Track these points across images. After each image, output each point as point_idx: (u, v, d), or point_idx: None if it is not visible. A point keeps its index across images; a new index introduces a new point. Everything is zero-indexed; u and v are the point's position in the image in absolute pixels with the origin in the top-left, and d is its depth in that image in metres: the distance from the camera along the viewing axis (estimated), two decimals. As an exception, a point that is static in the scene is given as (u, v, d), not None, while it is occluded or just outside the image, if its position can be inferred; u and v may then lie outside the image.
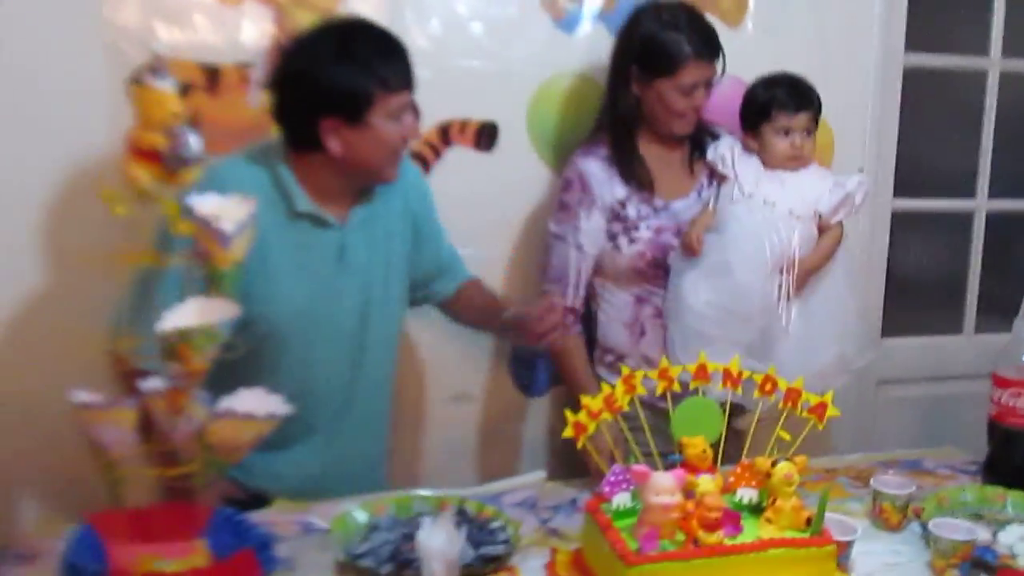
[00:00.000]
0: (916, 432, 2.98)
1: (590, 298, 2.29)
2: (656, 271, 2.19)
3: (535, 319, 1.90)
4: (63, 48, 2.08)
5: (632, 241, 2.19)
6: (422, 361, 2.45)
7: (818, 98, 2.18)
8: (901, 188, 2.96)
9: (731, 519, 1.43)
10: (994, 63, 3.01)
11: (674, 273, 2.16)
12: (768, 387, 1.62)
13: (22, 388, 2.09)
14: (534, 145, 2.44)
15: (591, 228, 2.20)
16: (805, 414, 1.60)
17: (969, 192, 3.09)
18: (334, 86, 1.76)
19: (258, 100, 2.18)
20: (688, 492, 1.42)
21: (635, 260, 2.19)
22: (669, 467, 1.48)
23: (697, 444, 1.51)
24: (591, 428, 1.54)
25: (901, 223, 2.99)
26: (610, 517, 1.46)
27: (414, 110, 1.87)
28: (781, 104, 2.15)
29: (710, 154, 2.22)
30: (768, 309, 2.08)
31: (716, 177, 2.22)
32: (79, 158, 2.07)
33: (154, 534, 1.44)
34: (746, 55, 2.32)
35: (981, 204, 3.10)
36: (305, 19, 2.22)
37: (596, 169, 2.21)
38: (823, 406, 1.59)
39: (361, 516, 1.71)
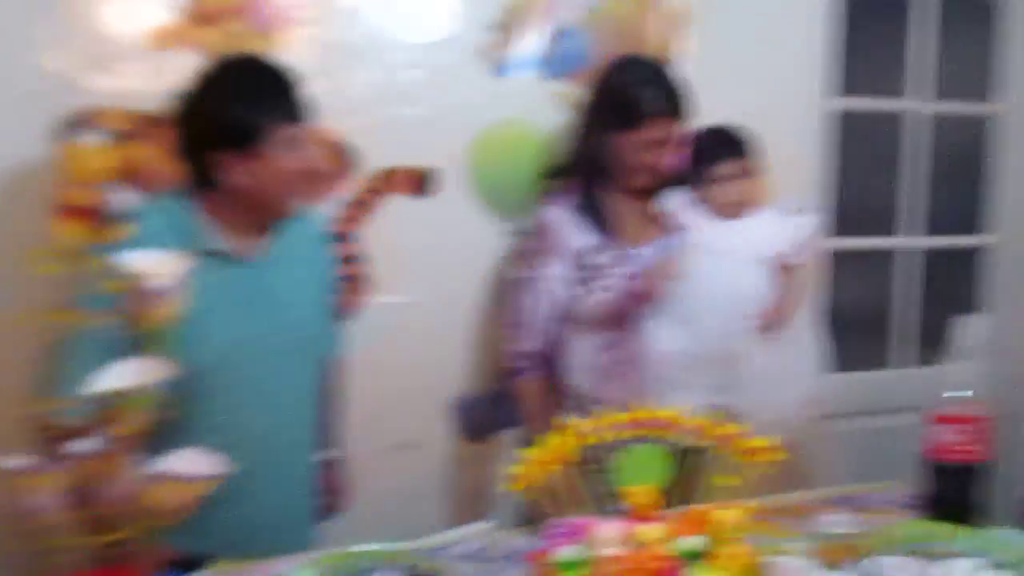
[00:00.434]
0: (848, 467, 3.01)
1: (555, 344, 2.29)
2: (623, 317, 2.20)
3: None
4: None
5: (601, 288, 2.20)
6: (364, 409, 2.42)
7: (746, 144, 2.21)
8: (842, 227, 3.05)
9: (675, 568, 1.43)
10: (911, 104, 3.11)
11: (643, 323, 2.18)
12: (708, 432, 1.62)
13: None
14: (472, 191, 2.45)
15: (557, 275, 2.21)
16: (745, 458, 1.60)
17: (889, 229, 3.17)
18: (226, 120, 1.77)
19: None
20: (631, 542, 1.41)
21: (603, 307, 2.20)
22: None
23: (640, 492, 1.50)
24: (532, 478, 1.53)
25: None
26: (554, 570, 1.45)
27: (311, 142, 1.88)
28: (707, 156, 2.19)
29: (662, 206, 2.24)
30: (736, 353, 2.10)
31: (672, 227, 2.24)
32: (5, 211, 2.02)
33: (90, 603, 1.39)
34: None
35: (901, 241, 3.19)
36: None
37: (565, 217, 2.23)
38: (762, 449, 1.60)
39: (307, 574, 1.67)
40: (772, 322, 2.14)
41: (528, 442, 1.63)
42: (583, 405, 2.21)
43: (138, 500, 1.36)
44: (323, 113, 2.28)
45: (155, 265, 1.37)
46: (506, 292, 2.30)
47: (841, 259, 3.10)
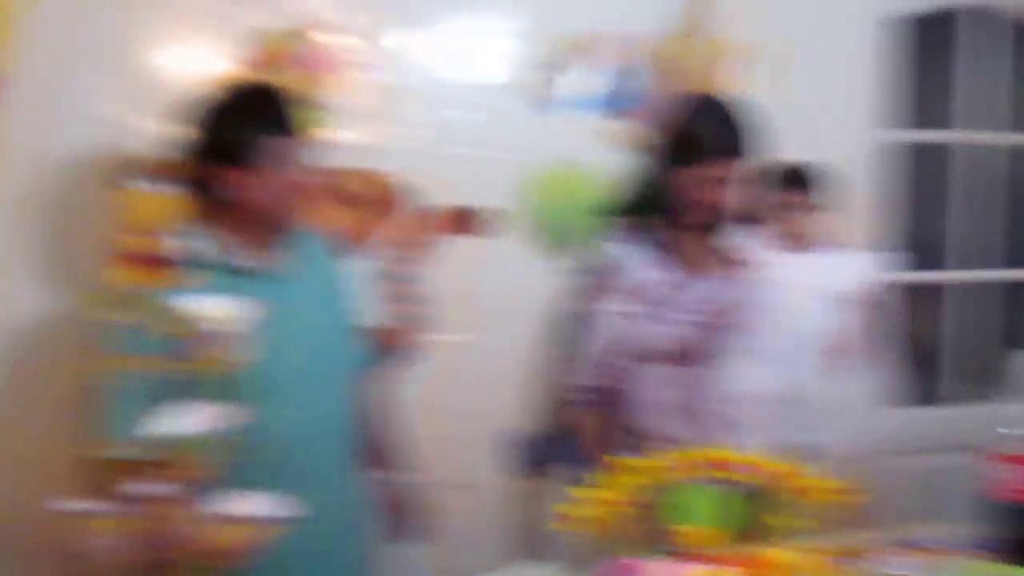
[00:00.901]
0: (898, 507, 2.96)
1: (616, 379, 2.29)
2: (690, 353, 2.20)
3: None
4: (60, 144, 2.11)
5: (665, 322, 2.20)
6: (420, 448, 2.43)
7: (812, 179, 2.22)
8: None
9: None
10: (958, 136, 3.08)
11: (721, 361, 2.18)
12: (764, 471, 1.61)
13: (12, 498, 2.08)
14: (527, 230, 2.46)
15: (621, 310, 2.21)
16: (801, 497, 1.59)
17: (938, 264, 3.14)
18: (222, 135, 1.82)
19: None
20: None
21: (668, 342, 2.20)
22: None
23: (691, 533, 1.50)
24: (581, 517, 1.53)
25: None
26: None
27: (308, 155, 1.91)
28: (774, 188, 2.21)
29: (729, 243, 2.25)
30: (810, 390, 2.10)
31: (740, 263, 2.25)
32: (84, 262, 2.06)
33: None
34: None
35: (951, 275, 3.14)
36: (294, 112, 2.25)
37: (629, 252, 2.24)
38: (824, 489, 1.58)
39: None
40: (837, 358, 2.13)
41: (583, 479, 1.62)
42: (646, 443, 2.21)
43: (201, 542, 1.38)
44: (378, 155, 2.34)
45: (214, 309, 1.39)
46: (567, 328, 2.30)
47: (914, 292, 3.07)
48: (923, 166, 3.16)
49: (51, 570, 2.01)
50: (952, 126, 3.09)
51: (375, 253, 2.36)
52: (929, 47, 3.07)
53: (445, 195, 2.40)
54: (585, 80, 2.48)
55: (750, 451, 1.63)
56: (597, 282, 2.24)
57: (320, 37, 2.28)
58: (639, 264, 2.22)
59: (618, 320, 2.21)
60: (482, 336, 2.42)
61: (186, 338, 1.38)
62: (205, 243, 1.37)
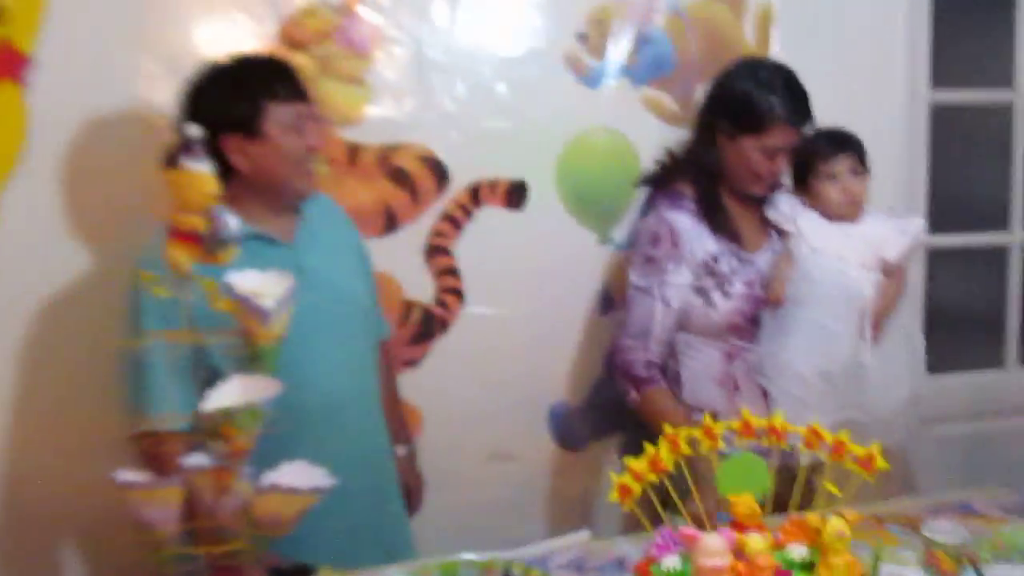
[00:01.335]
0: (960, 472, 2.93)
1: (671, 355, 2.27)
2: (749, 325, 2.19)
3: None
4: (101, 126, 2.13)
5: (726, 296, 2.18)
6: (460, 420, 2.45)
7: (858, 142, 2.18)
8: (935, 224, 2.93)
9: (782, 578, 1.41)
10: (1021, 95, 3.00)
11: (768, 335, 2.17)
12: (813, 440, 1.59)
13: (63, 468, 2.12)
14: (564, 202, 2.45)
15: (679, 283, 2.19)
16: (852, 466, 1.57)
17: (1003, 224, 3.07)
18: (224, 102, 1.83)
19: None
20: (738, 552, 1.40)
21: (730, 316, 2.18)
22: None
23: (744, 502, 1.49)
24: (637, 490, 1.52)
25: (936, 259, 2.97)
26: (660, 580, 1.44)
27: (316, 122, 1.93)
28: (820, 152, 2.16)
29: (771, 213, 2.22)
30: (857, 364, 2.08)
31: (782, 233, 2.22)
32: (116, 237, 2.09)
33: (203, 612, 1.44)
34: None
35: (1017, 237, 3.07)
36: (332, 88, 2.26)
37: (686, 223, 2.20)
38: (871, 458, 1.57)
39: (407, 584, 1.70)
40: (875, 328, 2.11)
41: (635, 449, 1.62)
42: (697, 416, 2.20)
43: (247, 512, 1.40)
44: (416, 129, 2.34)
45: (262, 286, 1.40)
46: (622, 300, 2.29)
47: (952, 256, 3.01)
48: (984, 127, 3.11)
49: (106, 542, 2.07)
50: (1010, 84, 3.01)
51: (419, 227, 2.37)
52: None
53: (484, 168, 2.40)
54: (620, 49, 2.45)
55: (802, 422, 1.61)
56: (653, 252, 2.22)
57: (362, 13, 2.27)
58: (696, 234, 2.20)
59: (676, 292, 2.18)
60: (520, 307, 2.42)
61: (239, 314, 1.39)
62: (235, 217, 1.38)
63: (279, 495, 1.41)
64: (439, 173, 2.36)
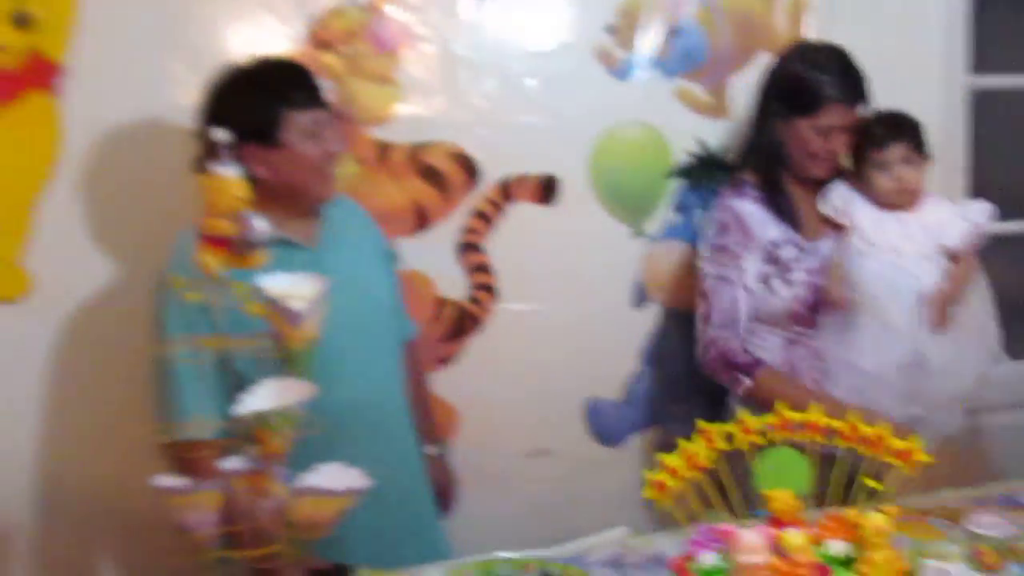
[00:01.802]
0: (1009, 463, 2.88)
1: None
2: (810, 314, 2.18)
3: None
4: (137, 131, 2.15)
5: (788, 283, 2.18)
6: (496, 417, 2.45)
7: (913, 127, 2.16)
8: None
9: (823, 574, 1.39)
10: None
11: (830, 331, 2.16)
12: (851, 434, 1.57)
13: (101, 473, 2.15)
14: (597, 195, 2.44)
15: (753, 269, 2.18)
16: (892, 460, 1.55)
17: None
18: (243, 114, 1.81)
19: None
20: (776, 548, 1.38)
21: (792, 303, 2.18)
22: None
23: (782, 497, 1.47)
24: (673, 486, 1.51)
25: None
26: (698, 577, 1.43)
27: (335, 127, 1.92)
28: (871, 139, 2.14)
29: (822, 205, 2.20)
30: (920, 356, 2.07)
31: (837, 227, 2.21)
32: (150, 243, 2.11)
33: (245, 615, 1.44)
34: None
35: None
36: (361, 87, 2.27)
37: (751, 209, 2.21)
38: (910, 451, 1.54)
39: (445, 583, 1.70)
40: (941, 316, 2.07)
41: (673, 444, 1.60)
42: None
43: (286, 515, 1.40)
44: (445, 127, 2.33)
45: (293, 288, 1.40)
46: (657, 293, 2.27)
47: (999, 244, 2.95)
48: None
49: (144, 546, 2.09)
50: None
51: (451, 224, 2.37)
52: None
53: (515, 164, 2.39)
54: (651, 41, 2.43)
55: (847, 415, 1.59)
56: (725, 241, 2.21)
57: (390, 11, 2.27)
58: (762, 221, 2.19)
59: (754, 279, 2.18)
60: (555, 303, 2.42)
61: (271, 317, 1.39)
62: (264, 220, 1.38)
63: (316, 498, 1.41)
64: (470, 170, 2.36)
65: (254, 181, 1.81)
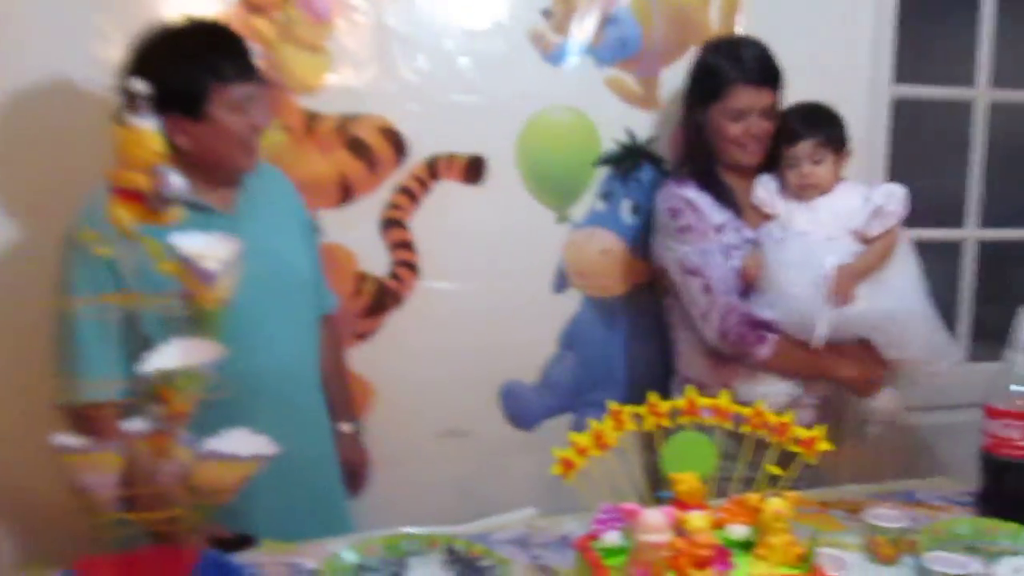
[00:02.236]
0: (911, 462, 2.96)
1: (669, 327, 2.30)
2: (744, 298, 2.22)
3: None
4: (50, 87, 2.08)
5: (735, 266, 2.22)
6: (412, 395, 2.44)
7: (828, 122, 2.20)
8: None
9: (722, 556, 1.41)
10: (981, 93, 3.02)
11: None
12: (757, 421, 1.60)
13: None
14: (523, 179, 2.44)
15: (714, 248, 2.22)
16: (794, 448, 1.58)
17: (958, 221, 3.09)
18: (169, 83, 1.73)
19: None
20: (678, 529, 1.40)
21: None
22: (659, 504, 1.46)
23: (686, 480, 1.49)
24: (579, 465, 1.52)
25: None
26: (600, 555, 1.44)
27: (263, 99, 1.89)
28: (783, 134, 2.20)
29: (753, 198, 2.25)
30: (821, 335, 2.12)
31: (766, 213, 2.26)
32: (61, 196, 2.05)
33: (141, 579, 1.42)
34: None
35: (971, 233, 3.10)
36: (292, 54, 2.23)
37: (696, 195, 2.24)
38: (813, 440, 1.57)
39: (350, 556, 1.68)
40: (843, 290, 2.11)
41: (583, 426, 1.61)
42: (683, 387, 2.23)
43: (188, 479, 1.38)
44: (375, 100, 2.31)
45: (207, 248, 1.38)
46: (578, 279, 2.34)
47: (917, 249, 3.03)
48: (945, 123, 3.12)
49: (42, 507, 2.03)
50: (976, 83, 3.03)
51: (376, 199, 2.35)
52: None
53: (444, 142, 2.38)
54: (586, 27, 2.44)
55: (752, 400, 1.61)
56: (685, 222, 2.23)
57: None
58: (706, 203, 2.24)
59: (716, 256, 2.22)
60: (477, 282, 2.43)
61: (183, 276, 1.36)
62: (180, 177, 1.34)
63: (220, 462, 1.38)
64: (398, 145, 2.34)
65: (174, 149, 1.79)
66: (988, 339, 3.11)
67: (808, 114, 2.21)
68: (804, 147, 2.17)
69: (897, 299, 2.18)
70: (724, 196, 2.24)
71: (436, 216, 2.37)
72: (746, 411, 1.61)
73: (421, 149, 2.35)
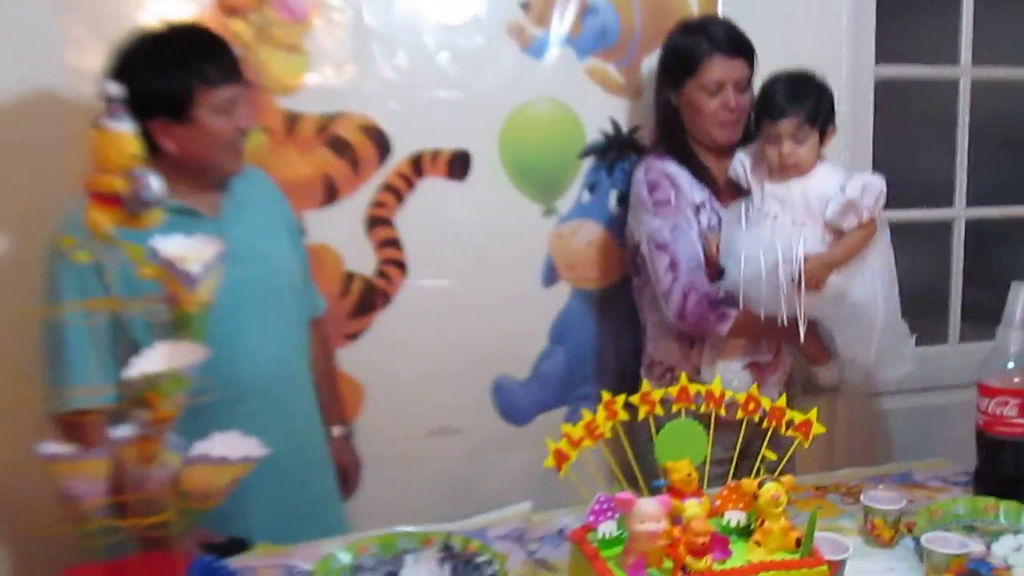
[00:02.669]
0: (906, 444, 2.96)
1: (638, 309, 2.30)
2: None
3: None
4: (24, 94, 2.06)
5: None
6: (402, 394, 2.42)
7: (813, 98, 2.12)
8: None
9: (719, 543, 1.40)
10: (965, 71, 3.02)
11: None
12: (751, 406, 1.59)
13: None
14: (508, 173, 2.43)
15: (690, 224, 2.21)
16: (790, 432, 1.57)
17: (947, 201, 3.09)
18: (153, 87, 1.76)
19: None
20: (675, 518, 1.39)
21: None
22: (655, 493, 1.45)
23: (682, 468, 1.48)
24: (572, 456, 1.51)
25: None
26: (596, 547, 1.43)
27: (248, 101, 1.89)
28: (765, 110, 2.12)
29: (729, 171, 2.23)
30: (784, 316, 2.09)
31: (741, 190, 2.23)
32: (36, 207, 2.02)
33: (132, 586, 1.40)
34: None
35: (960, 212, 3.09)
36: (269, 55, 2.22)
37: (676, 170, 2.23)
38: (808, 424, 1.57)
39: (344, 557, 1.67)
40: (813, 280, 2.06)
41: (576, 417, 1.59)
42: (666, 373, 2.22)
43: (176, 484, 1.36)
44: (356, 98, 2.30)
45: (189, 250, 1.36)
46: (568, 272, 2.34)
47: (897, 232, 3.02)
48: (931, 103, 3.11)
49: (29, 515, 2.01)
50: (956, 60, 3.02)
51: (360, 198, 2.33)
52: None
53: (426, 139, 2.37)
54: (565, 19, 2.42)
55: (740, 385, 1.61)
56: (663, 196, 2.21)
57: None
58: (686, 180, 2.23)
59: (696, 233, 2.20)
60: (463, 278, 2.41)
61: (165, 279, 1.35)
62: (159, 179, 1.33)
63: (209, 465, 1.37)
64: (380, 143, 2.33)
65: (159, 152, 1.78)
66: (978, 318, 3.12)
67: (794, 87, 2.12)
68: (787, 125, 2.09)
69: (863, 301, 2.13)
70: (702, 175, 2.23)
71: (422, 213, 2.36)
72: (740, 397, 1.60)
73: (404, 146, 2.34)
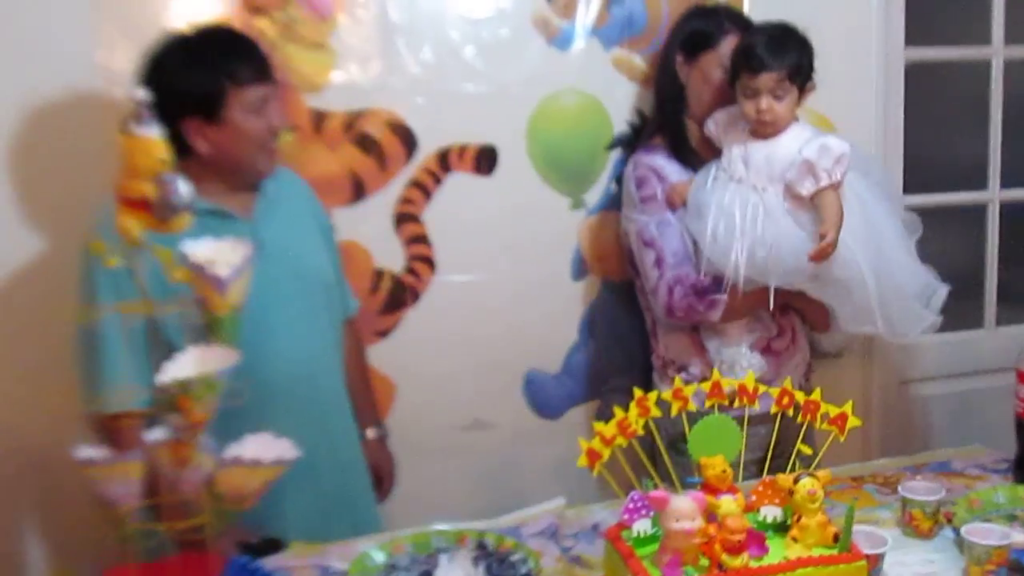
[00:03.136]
0: (943, 431, 2.92)
1: (646, 308, 2.28)
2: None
3: None
4: (56, 96, 2.07)
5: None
6: (433, 390, 2.43)
7: (796, 52, 2.04)
8: (911, 184, 2.90)
9: (756, 540, 1.39)
10: (997, 51, 2.97)
11: None
12: (785, 400, 1.57)
13: (25, 444, 2.08)
14: (535, 166, 2.41)
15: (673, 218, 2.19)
16: (825, 426, 1.56)
17: (981, 184, 3.04)
18: (185, 88, 1.77)
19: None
20: (710, 515, 1.38)
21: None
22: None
23: (716, 464, 1.46)
24: (605, 455, 1.50)
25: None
26: (631, 545, 1.42)
27: (279, 101, 1.89)
28: (745, 63, 2.04)
29: (706, 128, 2.20)
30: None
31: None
32: (71, 208, 2.04)
33: (169, 588, 1.41)
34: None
35: (994, 195, 3.05)
36: (295, 53, 2.21)
37: (663, 163, 2.21)
38: (844, 416, 1.55)
39: (379, 556, 1.67)
40: (820, 257, 2.01)
41: (607, 414, 1.58)
42: (679, 371, 2.20)
43: (210, 486, 1.37)
44: (382, 95, 2.29)
45: (218, 253, 1.37)
46: (597, 264, 2.34)
47: (930, 216, 2.98)
48: (962, 84, 3.06)
49: (67, 518, 2.04)
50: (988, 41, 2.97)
51: (388, 195, 2.33)
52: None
53: (453, 134, 2.36)
54: (588, 9, 2.40)
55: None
56: (650, 192, 2.20)
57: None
58: (673, 172, 2.21)
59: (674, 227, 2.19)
60: (494, 273, 2.40)
61: (195, 283, 1.35)
62: (187, 183, 1.33)
63: (242, 468, 1.38)
64: (407, 139, 2.32)
65: (192, 153, 1.79)
66: (1014, 302, 3.08)
67: (776, 40, 2.03)
68: (767, 79, 2.00)
69: (844, 278, 2.06)
70: (692, 162, 2.20)
71: (450, 208, 2.35)
72: (774, 391, 1.58)
73: (431, 142, 2.33)
